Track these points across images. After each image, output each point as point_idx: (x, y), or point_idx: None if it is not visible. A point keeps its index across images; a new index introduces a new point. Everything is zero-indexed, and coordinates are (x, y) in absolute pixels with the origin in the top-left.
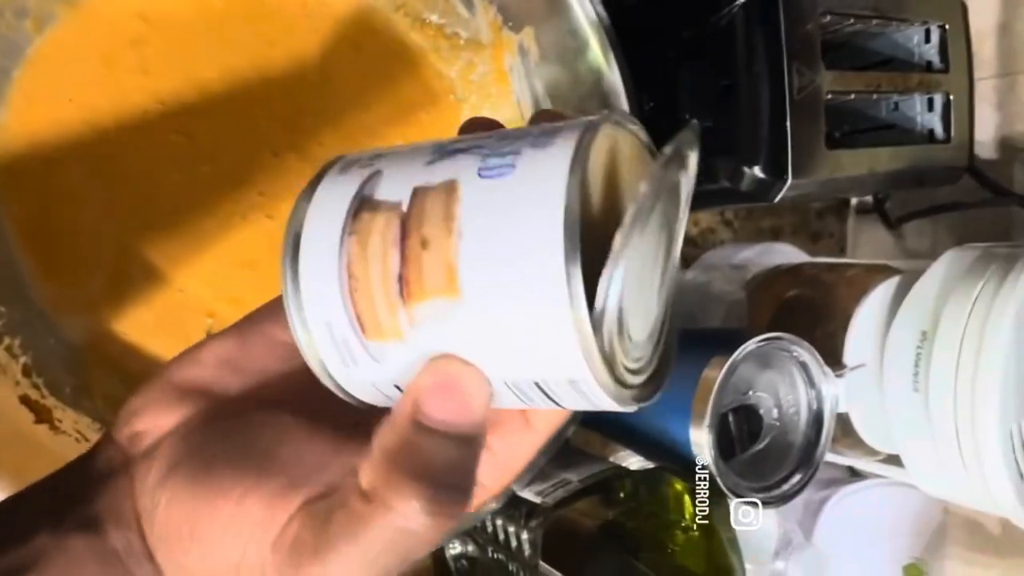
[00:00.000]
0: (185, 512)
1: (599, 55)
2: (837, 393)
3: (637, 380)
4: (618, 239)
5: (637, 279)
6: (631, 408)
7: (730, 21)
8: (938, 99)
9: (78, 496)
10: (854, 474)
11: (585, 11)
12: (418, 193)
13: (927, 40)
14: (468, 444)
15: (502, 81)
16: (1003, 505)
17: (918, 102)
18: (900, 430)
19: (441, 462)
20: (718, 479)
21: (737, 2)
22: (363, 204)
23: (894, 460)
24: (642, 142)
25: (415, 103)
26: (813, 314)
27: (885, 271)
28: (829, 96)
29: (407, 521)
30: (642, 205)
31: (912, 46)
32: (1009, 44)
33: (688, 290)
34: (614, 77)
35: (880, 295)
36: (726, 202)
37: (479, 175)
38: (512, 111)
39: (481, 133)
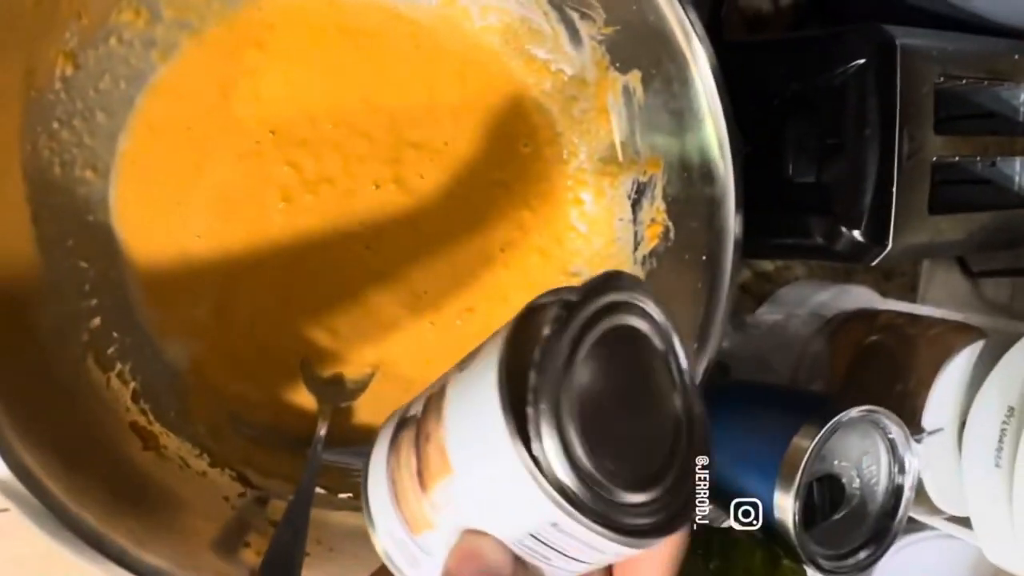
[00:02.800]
0: None
1: (705, 104)
2: (919, 468)
3: (642, 520)
4: (531, 376)
5: (596, 418)
6: (640, 546)
7: (844, 81)
8: None
9: None
10: (910, 521)
11: (696, 60)
12: (429, 400)
13: None
14: None
15: (603, 119)
16: None
17: (1018, 162)
18: (976, 501)
19: None
20: (798, 547)
21: (853, 64)
22: (401, 423)
23: (960, 520)
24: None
25: (515, 135)
26: (892, 366)
27: (969, 332)
28: (935, 159)
29: None
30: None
31: (1018, 103)
32: None
33: (762, 327)
34: (719, 126)
35: (964, 359)
36: (816, 258)
37: (459, 371)
38: (609, 150)
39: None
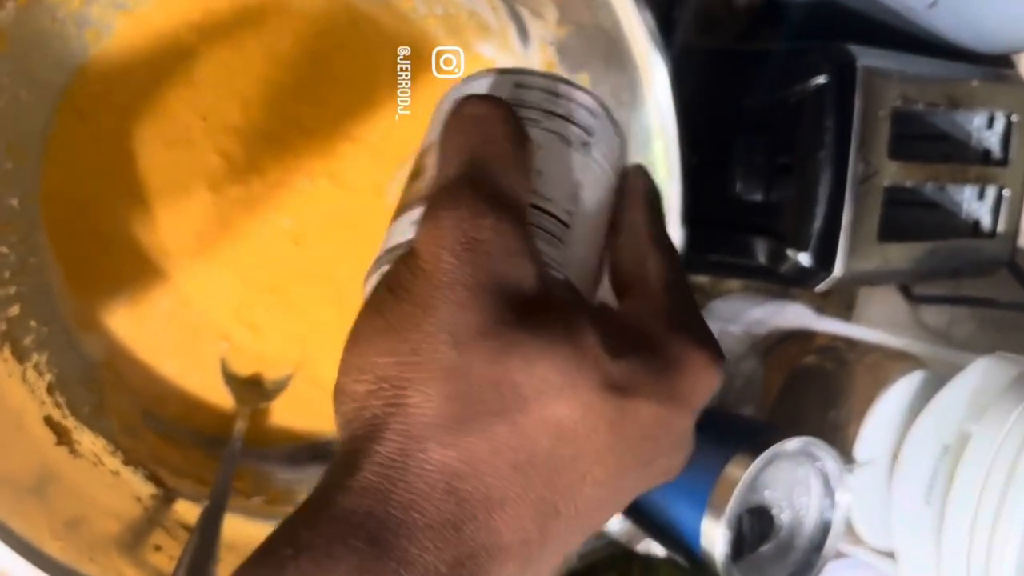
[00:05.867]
0: None
1: (654, 117)
2: (850, 503)
3: None
4: None
5: None
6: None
7: (801, 100)
8: (991, 191)
9: None
10: None
11: (650, 72)
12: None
13: (989, 126)
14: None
15: None
16: None
17: (967, 190)
18: (904, 537)
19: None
20: None
21: (813, 82)
22: None
23: (883, 553)
24: None
25: None
26: (826, 391)
27: (907, 360)
28: (887, 184)
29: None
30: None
31: (971, 128)
32: None
33: None
34: (668, 141)
35: (900, 389)
36: (759, 279)
37: None
38: None
39: None
